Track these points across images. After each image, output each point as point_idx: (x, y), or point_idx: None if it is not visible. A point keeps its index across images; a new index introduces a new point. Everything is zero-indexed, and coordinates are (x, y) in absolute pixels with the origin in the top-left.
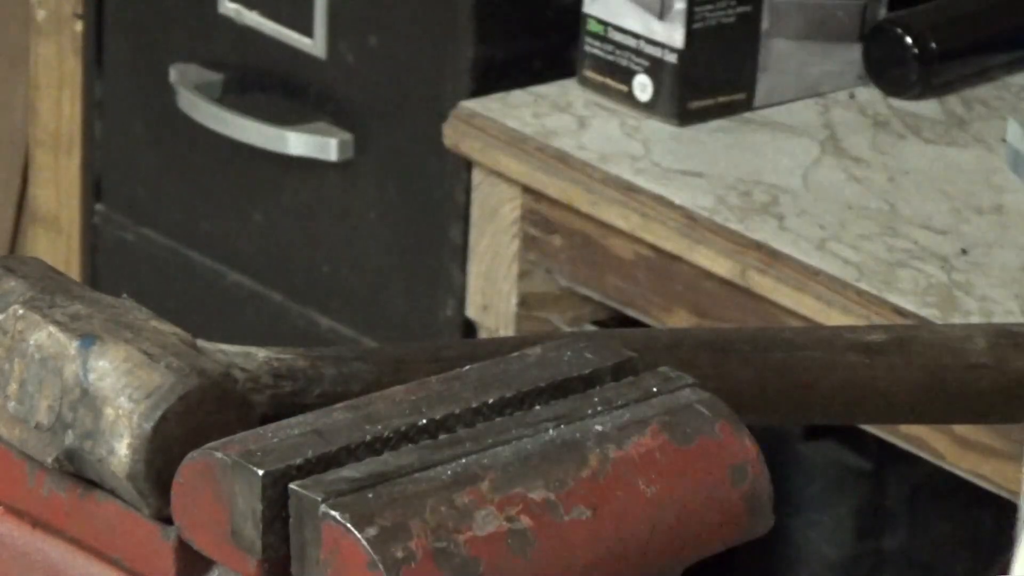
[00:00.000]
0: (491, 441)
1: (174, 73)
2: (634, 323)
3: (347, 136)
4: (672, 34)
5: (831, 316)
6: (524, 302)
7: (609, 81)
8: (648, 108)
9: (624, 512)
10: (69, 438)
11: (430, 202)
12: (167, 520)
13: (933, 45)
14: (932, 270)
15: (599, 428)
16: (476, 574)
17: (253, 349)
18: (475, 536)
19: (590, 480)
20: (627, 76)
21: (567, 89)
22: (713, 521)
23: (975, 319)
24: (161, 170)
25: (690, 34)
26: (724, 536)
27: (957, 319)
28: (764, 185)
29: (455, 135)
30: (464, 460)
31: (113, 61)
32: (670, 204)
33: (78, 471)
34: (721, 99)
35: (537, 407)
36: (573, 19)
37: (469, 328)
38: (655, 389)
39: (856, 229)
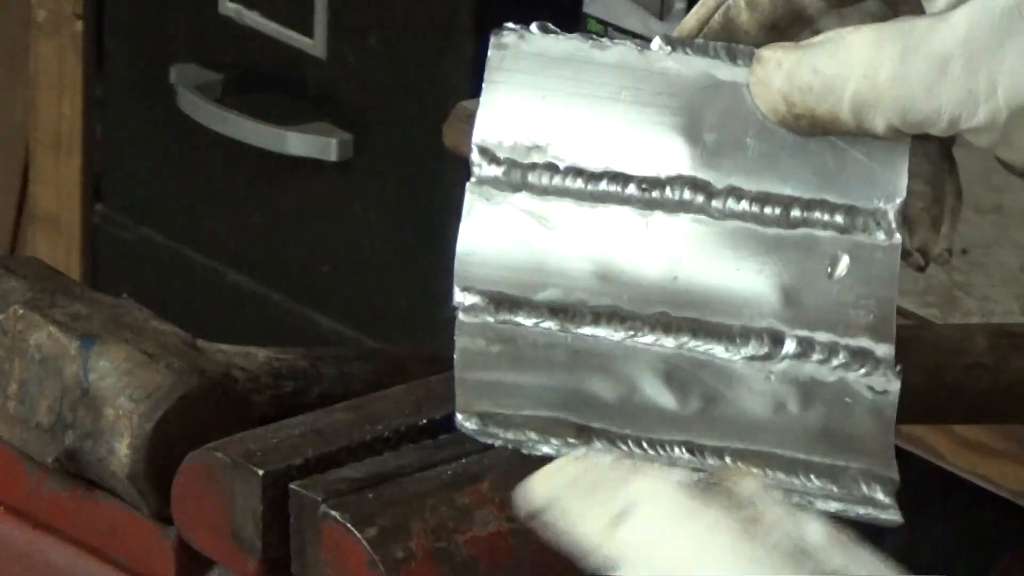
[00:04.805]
0: None
1: (174, 73)
2: None
3: (347, 136)
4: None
5: None
6: None
7: None
8: None
9: None
10: (69, 438)
11: (430, 202)
12: (167, 520)
13: None
14: (932, 270)
15: None
16: (476, 574)
17: (253, 349)
18: (475, 536)
19: None
20: None
21: None
22: None
23: (975, 319)
24: (161, 170)
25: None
26: None
27: (957, 319)
28: None
29: (455, 135)
30: (464, 460)
31: (113, 61)
32: None
33: (78, 471)
34: None
35: None
36: (573, 19)
37: None
38: None
39: None
